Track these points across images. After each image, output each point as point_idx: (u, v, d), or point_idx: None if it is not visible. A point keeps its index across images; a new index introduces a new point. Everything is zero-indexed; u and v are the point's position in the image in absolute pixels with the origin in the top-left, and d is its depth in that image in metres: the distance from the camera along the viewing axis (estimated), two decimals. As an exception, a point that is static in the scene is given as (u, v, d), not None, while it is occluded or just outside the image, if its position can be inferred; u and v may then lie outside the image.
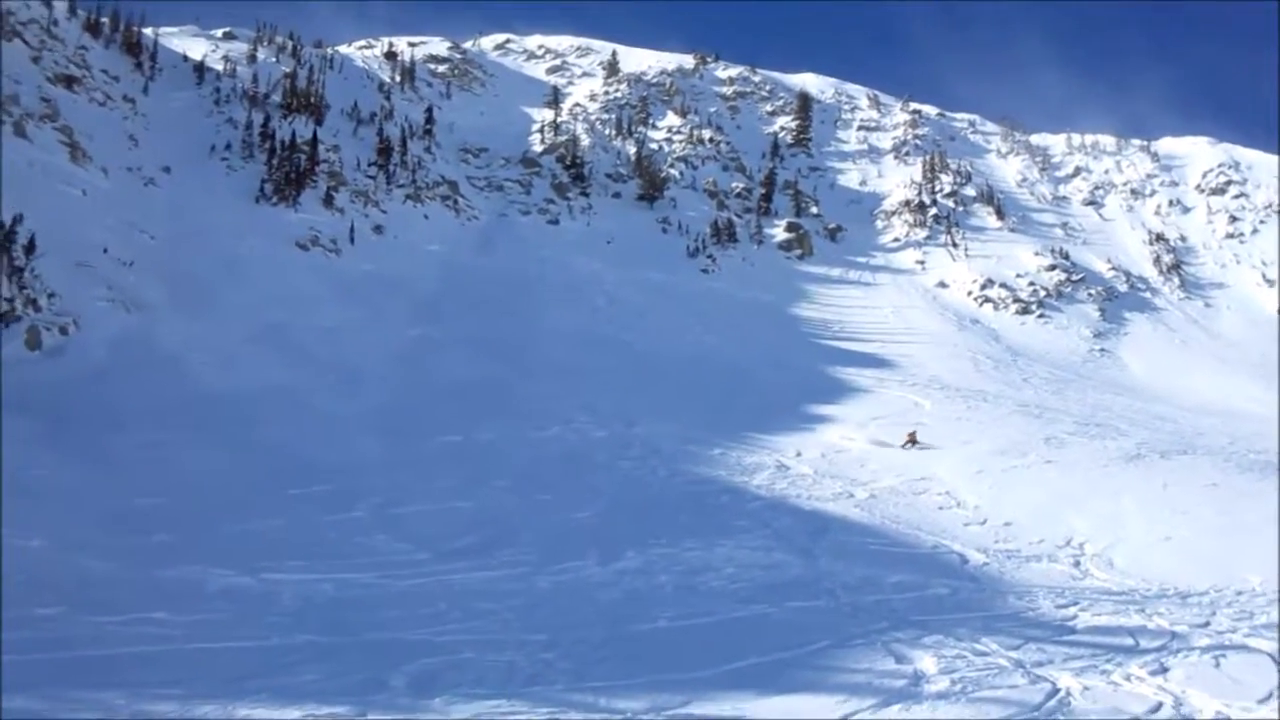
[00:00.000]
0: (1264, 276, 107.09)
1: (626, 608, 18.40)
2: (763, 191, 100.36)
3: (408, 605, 17.49)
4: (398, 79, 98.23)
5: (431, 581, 18.95)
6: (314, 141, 68.20)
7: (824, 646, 16.78)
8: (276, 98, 75.08)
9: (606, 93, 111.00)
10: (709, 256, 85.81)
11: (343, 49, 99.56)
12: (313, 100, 76.16)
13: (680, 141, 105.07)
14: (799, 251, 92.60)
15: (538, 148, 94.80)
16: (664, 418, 39.25)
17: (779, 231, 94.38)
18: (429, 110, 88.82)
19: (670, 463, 32.86)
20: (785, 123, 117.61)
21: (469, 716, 12.65)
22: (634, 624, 17.55)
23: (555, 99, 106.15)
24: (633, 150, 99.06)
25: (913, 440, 39.16)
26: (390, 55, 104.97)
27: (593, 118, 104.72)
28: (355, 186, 69.47)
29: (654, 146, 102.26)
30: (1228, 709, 14.27)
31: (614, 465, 32.14)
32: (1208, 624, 19.33)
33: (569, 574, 20.27)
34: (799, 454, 36.04)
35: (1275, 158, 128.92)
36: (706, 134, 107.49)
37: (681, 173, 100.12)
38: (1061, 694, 14.73)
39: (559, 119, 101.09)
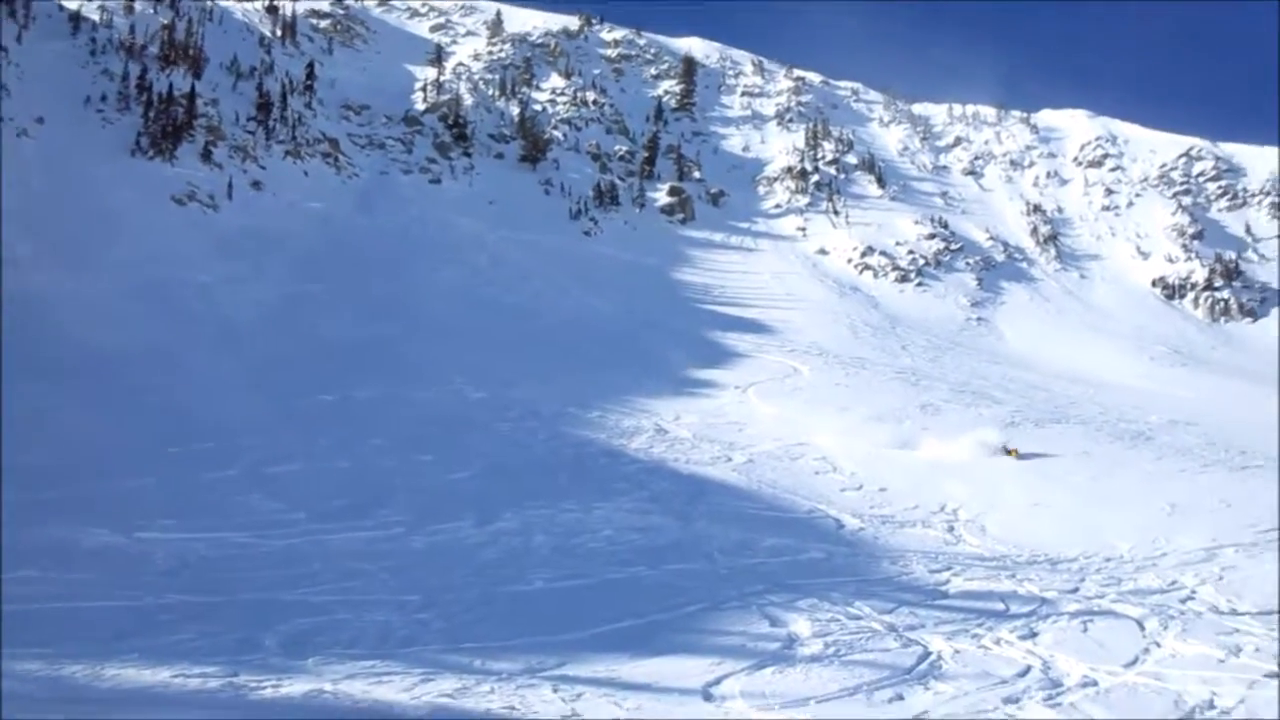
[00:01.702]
0: (1138, 249, 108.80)
1: (503, 569, 18.39)
2: (646, 155, 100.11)
3: (282, 565, 17.38)
4: (279, 33, 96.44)
5: (307, 541, 18.83)
6: (192, 95, 66.91)
7: (699, 609, 16.89)
8: (154, 49, 73.33)
9: (490, 52, 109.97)
10: (591, 219, 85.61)
11: (223, 1, 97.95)
12: (191, 53, 74.57)
13: (564, 103, 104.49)
14: (681, 216, 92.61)
15: (420, 106, 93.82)
16: (544, 380, 39.20)
17: (661, 195, 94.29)
18: (310, 66, 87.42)
19: (549, 425, 32.82)
20: (669, 87, 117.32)
21: (342, 677, 12.59)
22: (510, 585, 17.56)
23: (439, 57, 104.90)
24: (516, 111, 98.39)
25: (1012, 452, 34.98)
26: (271, 9, 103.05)
27: (476, 77, 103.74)
28: (234, 141, 68.27)
29: (537, 108, 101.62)
30: (1094, 672, 14.53)
31: (492, 426, 32.04)
32: (1077, 590, 19.67)
33: (445, 535, 20.22)
34: (678, 417, 36.12)
35: (1152, 132, 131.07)
36: (590, 96, 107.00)
37: (565, 135, 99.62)
38: (933, 657, 14.94)
39: (442, 78, 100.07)
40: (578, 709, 12.09)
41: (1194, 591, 19.87)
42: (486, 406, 34.84)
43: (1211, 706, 13.25)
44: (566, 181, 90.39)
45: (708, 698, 12.84)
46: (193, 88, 67.93)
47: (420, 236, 67.58)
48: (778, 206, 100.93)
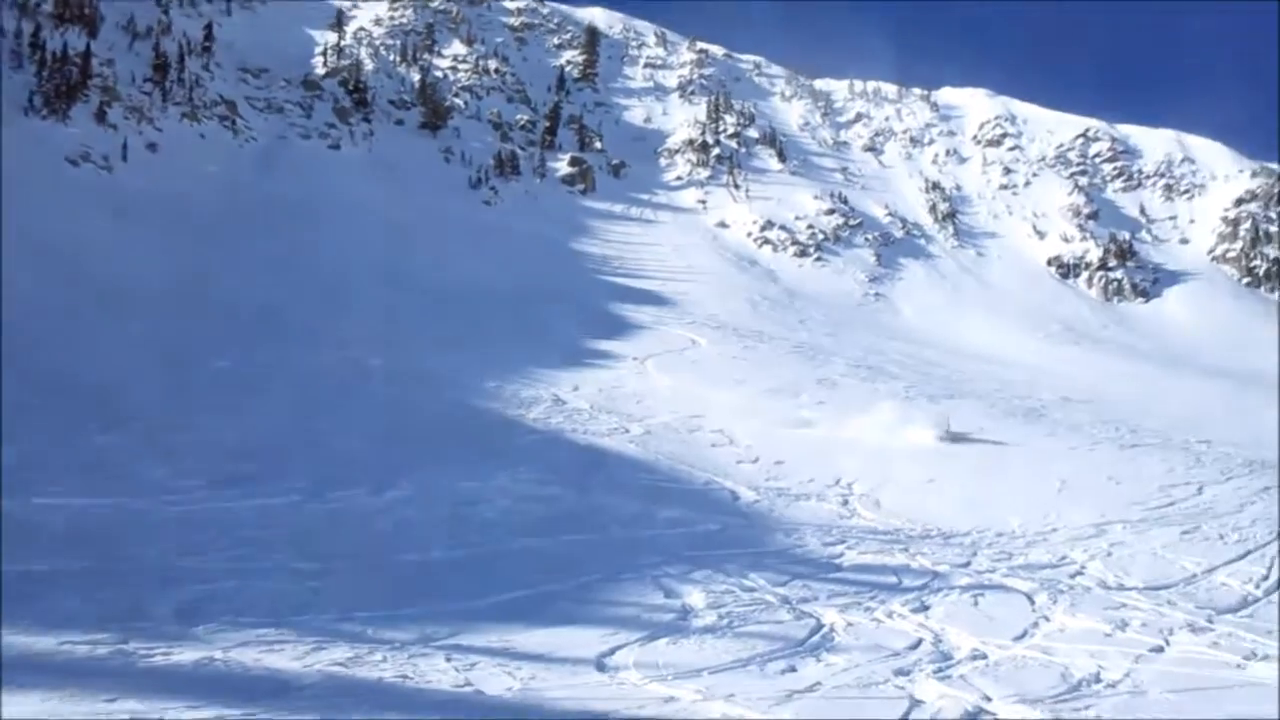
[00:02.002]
0: (1035, 228, 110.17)
1: (398, 538, 18.31)
2: (547, 125, 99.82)
3: (176, 532, 17.18)
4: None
5: (200, 508, 18.62)
6: (87, 54, 65.70)
7: (595, 580, 16.90)
8: (48, 7, 71.94)
9: (391, 18, 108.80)
10: (491, 188, 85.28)
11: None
12: (86, 11, 73.06)
13: (465, 71, 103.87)
14: (582, 186, 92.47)
15: (320, 71, 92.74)
16: (443, 348, 39.04)
17: (562, 166, 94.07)
18: (208, 27, 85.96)
19: (447, 393, 32.71)
20: (572, 56, 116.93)
21: (234, 645, 12.46)
22: (405, 554, 17.49)
23: (339, 21, 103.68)
24: (417, 78, 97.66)
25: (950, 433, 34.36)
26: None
27: (377, 42, 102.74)
28: (130, 102, 67.16)
29: (439, 75, 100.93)
30: (984, 645, 14.69)
31: (390, 394, 31.88)
32: (968, 564, 19.90)
33: (340, 503, 20.07)
34: (576, 388, 36.13)
35: (1050, 112, 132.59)
36: (492, 64, 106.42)
37: (466, 103, 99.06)
38: (826, 630, 15.03)
39: (342, 42, 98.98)
40: (471, 678, 12.05)
41: (1083, 567, 20.16)
42: (384, 374, 34.65)
43: (1098, 679, 13.44)
44: (467, 150, 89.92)
45: (601, 668, 12.84)
46: (88, 47, 66.74)
47: (318, 202, 66.89)
48: (679, 179, 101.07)
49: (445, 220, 71.76)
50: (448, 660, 12.60)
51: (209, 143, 71.03)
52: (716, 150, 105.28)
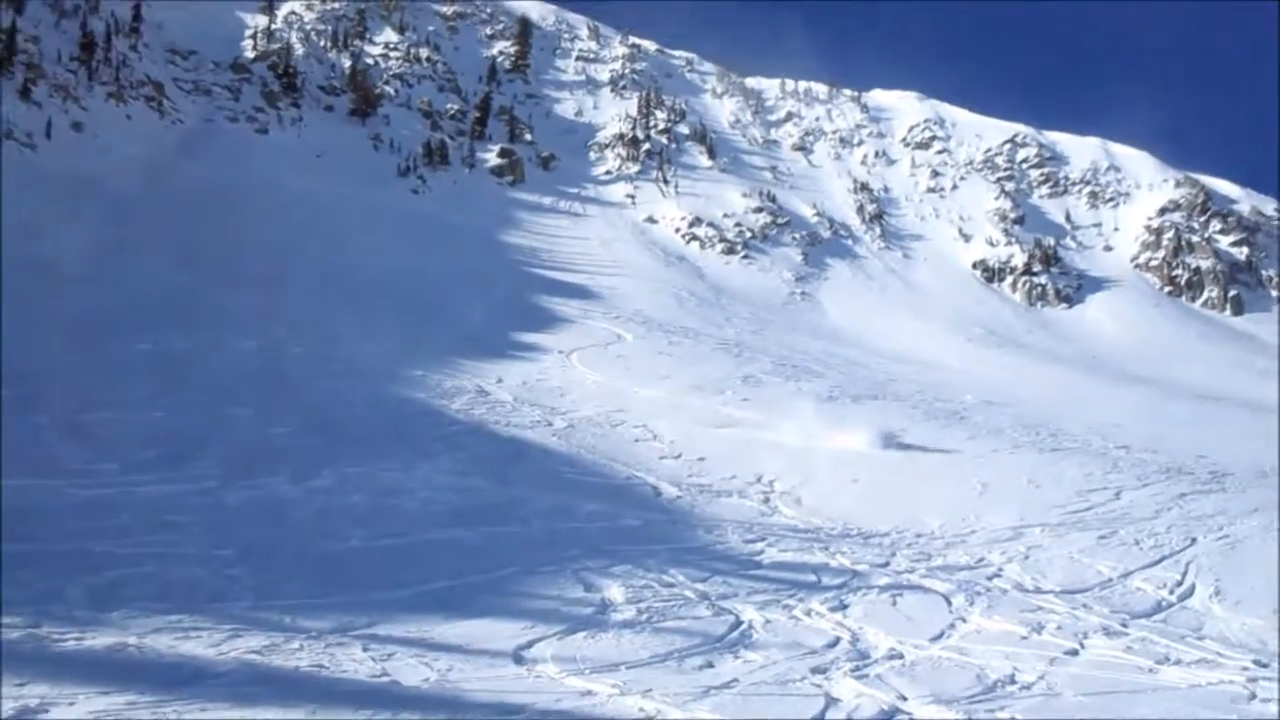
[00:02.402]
0: (961, 232, 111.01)
1: (317, 526, 18.17)
2: (477, 115, 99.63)
3: (90, 516, 16.96)
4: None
5: (116, 492, 18.39)
6: (12, 30, 64.94)
7: (514, 572, 16.87)
8: (-27, -18, 71.53)
9: (323, 3, 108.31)
10: (419, 177, 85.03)
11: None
12: (12, -13, 72.72)
13: (397, 59, 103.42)
14: (511, 178, 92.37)
15: (249, 54, 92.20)
16: (366, 337, 38.79)
17: (492, 156, 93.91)
18: (137, 7, 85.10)
19: (370, 383, 32.47)
20: (504, 47, 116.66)
21: (148, 631, 12.34)
22: (324, 543, 17.37)
23: (270, 5, 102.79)
24: (347, 64, 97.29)
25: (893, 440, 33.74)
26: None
27: (308, 27, 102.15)
28: (55, 80, 66.45)
29: (370, 62, 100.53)
30: (901, 645, 14.78)
31: (312, 382, 31.57)
32: (887, 564, 20.00)
33: (260, 490, 19.87)
34: (500, 380, 36.01)
35: (979, 117, 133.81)
36: (424, 53, 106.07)
37: (396, 90, 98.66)
38: (744, 626, 15.08)
39: (273, 26, 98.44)
40: (388, 669, 11.99)
41: (1000, 569, 20.31)
42: (307, 362, 34.34)
43: (1013, 681, 13.54)
44: (396, 138, 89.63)
45: (519, 660, 12.82)
46: (13, 23, 66.00)
47: (245, 186, 66.38)
48: (608, 173, 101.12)
49: (373, 208, 71.32)
50: (365, 650, 12.53)
51: (135, 123, 70.39)
52: (647, 145, 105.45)
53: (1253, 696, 13.60)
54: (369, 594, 14.81)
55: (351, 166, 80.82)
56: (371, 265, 55.24)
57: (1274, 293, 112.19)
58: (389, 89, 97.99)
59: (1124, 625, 16.90)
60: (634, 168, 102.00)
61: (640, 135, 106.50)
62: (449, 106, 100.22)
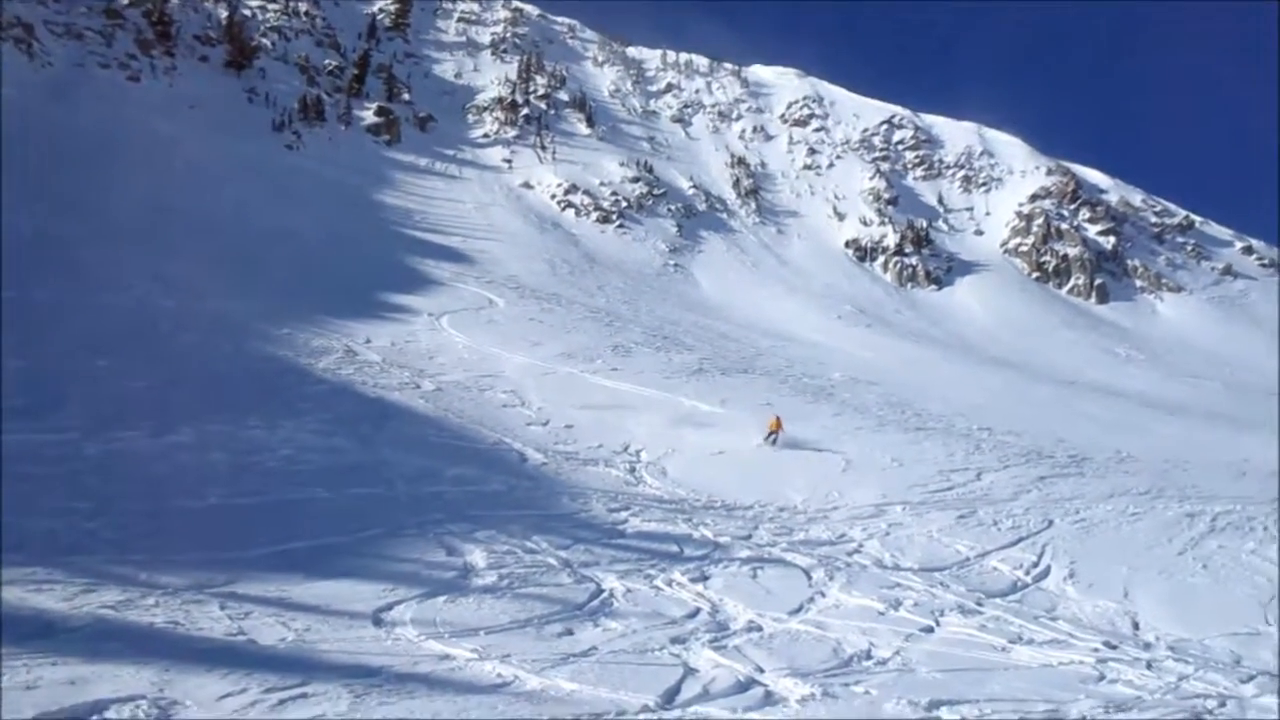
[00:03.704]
0: (835, 210, 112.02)
1: (176, 482, 17.90)
2: (355, 72, 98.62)
3: (-58, 465, 16.61)
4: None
5: (-29, 442, 18.02)
6: (-124, -37, 63.38)
7: (377, 534, 16.79)
8: None
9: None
10: (294, 132, 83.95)
11: None
12: (-123, -81, 70.71)
13: (275, 11, 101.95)
14: (387, 137, 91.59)
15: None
16: (234, 293, 38.27)
17: (368, 115, 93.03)
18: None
19: (236, 338, 32.05)
20: (385, 5, 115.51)
21: (2, 583, 12.11)
22: (183, 499, 17.13)
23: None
24: (224, 14, 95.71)
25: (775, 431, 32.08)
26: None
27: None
28: (-82, 18, 64.97)
29: (247, 13, 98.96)
30: (760, 618, 14.92)
31: (178, 337, 31.08)
32: (750, 537, 20.18)
33: (119, 444, 19.52)
34: (369, 341, 35.76)
35: (858, 97, 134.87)
36: (303, 7, 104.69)
37: (273, 43, 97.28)
38: (605, 595, 15.15)
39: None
40: (245, 627, 11.88)
41: (861, 545, 20.59)
42: (173, 316, 33.79)
43: (869, 656, 13.73)
44: (272, 91, 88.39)
45: (378, 623, 12.76)
46: (-122, -44, 64.24)
47: (115, 135, 65.06)
48: (486, 136, 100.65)
49: (246, 162, 70.34)
50: (222, 609, 12.39)
51: (3, 66, 68.70)
52: (525, 110, 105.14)
53: (1101, 677, 13.91)
54: (227, 552, 14.63)
55: (225, 119, 79.54)
56: (243, 220, 54.51)
57: (1138, 282, 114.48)
58: (266, 41, 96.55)
59: (979, 604, 17.21)
60: (512, 132, 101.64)
61: (519, 100, 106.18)
62: (327, 62, 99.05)
